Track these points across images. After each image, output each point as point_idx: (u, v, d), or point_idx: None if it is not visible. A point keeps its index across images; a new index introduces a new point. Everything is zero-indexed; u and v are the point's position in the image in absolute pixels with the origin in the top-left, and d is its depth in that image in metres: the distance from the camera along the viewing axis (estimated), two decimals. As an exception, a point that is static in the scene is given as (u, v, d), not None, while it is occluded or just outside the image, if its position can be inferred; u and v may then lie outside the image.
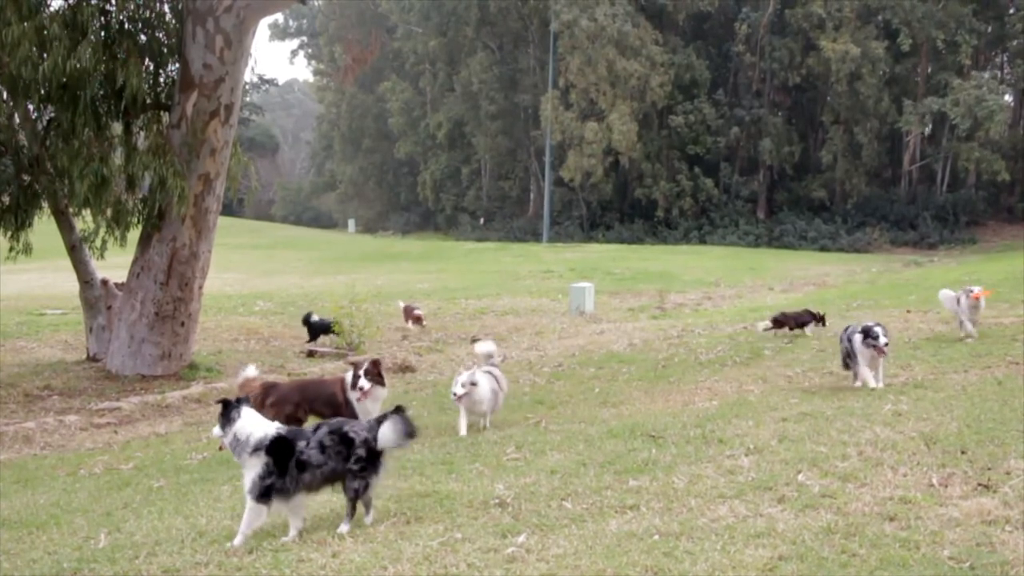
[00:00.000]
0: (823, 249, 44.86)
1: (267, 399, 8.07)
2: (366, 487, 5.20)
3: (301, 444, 5.13)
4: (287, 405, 8.05)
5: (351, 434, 5.21)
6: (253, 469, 5.07)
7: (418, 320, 18.40)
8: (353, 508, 5.21)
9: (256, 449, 5.08)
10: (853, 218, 49.05)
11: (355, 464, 5.14)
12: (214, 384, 13.33)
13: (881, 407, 7.49)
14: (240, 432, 5.16)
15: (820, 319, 13.81)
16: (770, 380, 10.26)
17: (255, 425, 5.20)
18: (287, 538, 5.09)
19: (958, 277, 22.09)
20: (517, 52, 59.89)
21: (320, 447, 5.13)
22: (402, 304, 19.54)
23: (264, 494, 5.05)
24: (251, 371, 8.35)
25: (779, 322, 13.93)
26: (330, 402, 8.03)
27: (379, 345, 16.57)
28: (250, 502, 5.09)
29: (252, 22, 14.35)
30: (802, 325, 13.73)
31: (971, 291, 11.41)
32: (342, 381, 8.28)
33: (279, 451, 5.09)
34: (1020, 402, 7.32)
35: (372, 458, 5.19)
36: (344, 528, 5.11)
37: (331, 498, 5.65)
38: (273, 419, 7.81)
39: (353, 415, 7.85)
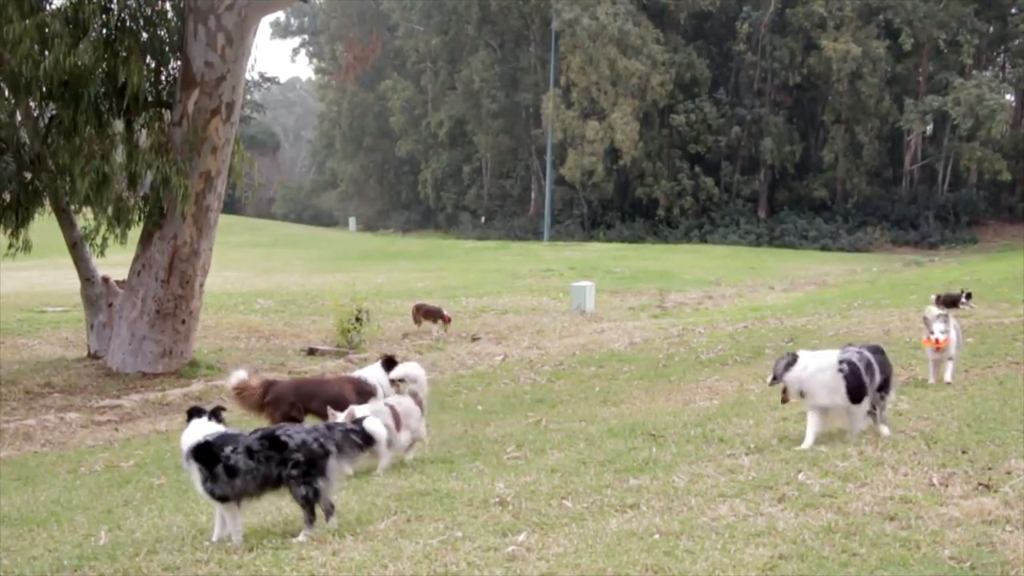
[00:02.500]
0: (824, 249, 44.84)
1: (265, 398, 7.96)
2: (316, 493, 5.01)
3: (228, 449, 5.03)
4: (283, 404, 7.87)
5: (283, 438, 5.07)
6: (196, 477, 5.10)
7: (445, 319, 17.68)
8: (311, 515, 5.05)
9: (187, 457, 5.11)
10: (854, 218, 49.04)
11: (294, 469, 4.98)
12: (215, 382, 13.32)
13: (881, 407, 7.48)
14: (181, 444, 5.24)
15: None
16: (770, 379, 10.23)
17: (191, 435, 5.19)
18: (214, 538, 5.12)
19: (958, 277, 22.10)
20: (518, 51, 59.80)
21: (248, 452, 5.02)
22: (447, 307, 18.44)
23: (214, 495, 5.06)
24: (242, 374, 8.10)
25: None
26: (333, 403, 7.60)
27: (379, 344, 16.57)
28: (218, 506, 5.12)
29: (253, 20, 14.37)
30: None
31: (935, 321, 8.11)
32: (353, 381, 8.06)
33: (203, 457, 5.05)
34: (1020, 402, 7.31)
35: (314, 462, 5.00)
36: (302, 537, 4.96)
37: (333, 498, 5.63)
38: (271, 418, 7.86)
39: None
